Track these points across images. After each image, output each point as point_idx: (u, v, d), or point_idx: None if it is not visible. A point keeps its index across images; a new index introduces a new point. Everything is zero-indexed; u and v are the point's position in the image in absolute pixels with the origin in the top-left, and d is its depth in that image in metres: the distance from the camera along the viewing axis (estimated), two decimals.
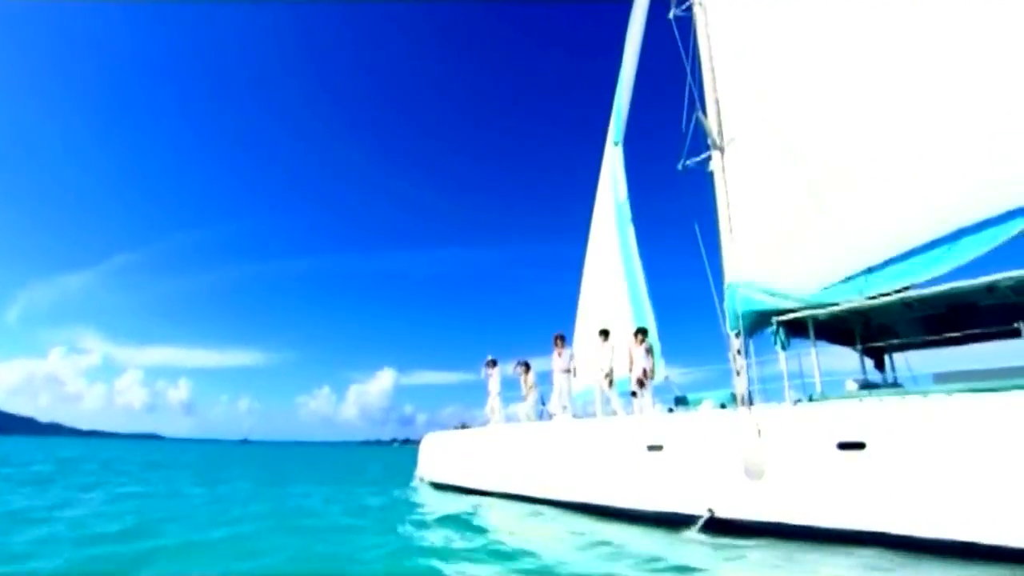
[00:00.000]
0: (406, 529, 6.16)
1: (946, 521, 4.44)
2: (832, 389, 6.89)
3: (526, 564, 4.49)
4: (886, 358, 9.35)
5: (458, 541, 5.46)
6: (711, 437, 5.93)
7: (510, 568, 4.35)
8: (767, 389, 7.91)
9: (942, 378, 5.93)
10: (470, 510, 7.50)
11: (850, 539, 4.85)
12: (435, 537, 5.67)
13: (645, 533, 5.71)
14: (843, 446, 5.04)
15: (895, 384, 8.30)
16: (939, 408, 4.72)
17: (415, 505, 8.60)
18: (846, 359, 9.27)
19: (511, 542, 5.36)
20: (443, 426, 12.54)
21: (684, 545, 5.25)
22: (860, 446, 4.95)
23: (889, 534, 4.67)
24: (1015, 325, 6.53)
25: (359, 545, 5.18)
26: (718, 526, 5.57)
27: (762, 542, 5.14)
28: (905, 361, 9.24)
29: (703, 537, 5.45)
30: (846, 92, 8.11)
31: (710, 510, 5.64)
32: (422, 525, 6.46)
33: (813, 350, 7.27)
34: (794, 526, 5.17)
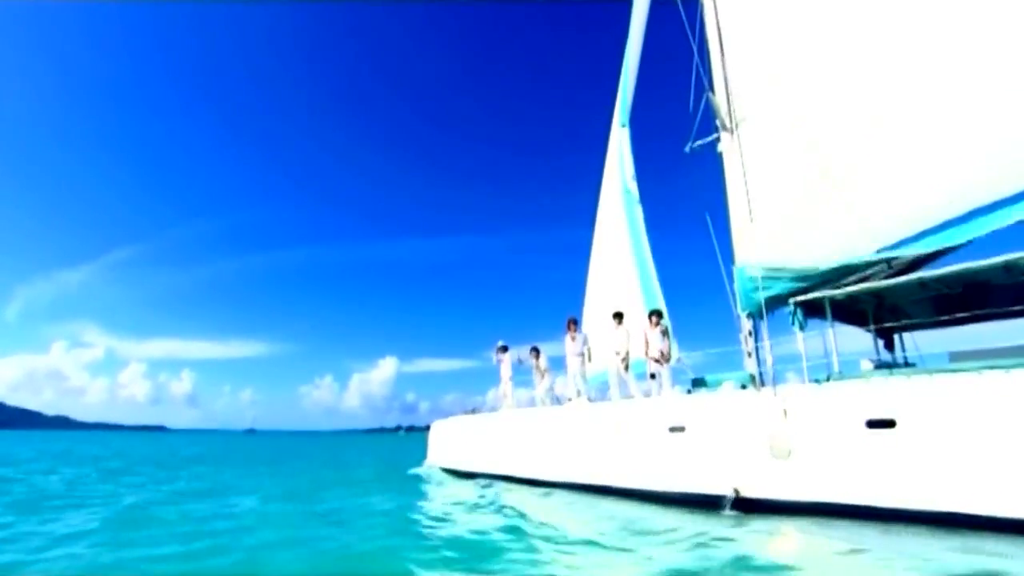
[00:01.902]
0: (437, 519, 6.05)
1: (981, 496, 4.36)
2: (845, 369, 6.79)
3: (569, 549, 4.37)
4: (895, 338, 9.24)
5: (495, 526, 5.32)
6: (735, 417, 5.80)
7: (554, 552, 4.24)
8: (777, 370, 7.82)
9: (958, 357, 5.84)
10: (492, 494, 7.38)
11: (880, 516, 4.76)
12: (473, 525, 5.52)
13: (677, 514, 5.58)
14: (872, 424, 4.93)
15: (907, 364, 8.17)
16: (970, 385, 4.62)
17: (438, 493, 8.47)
18: (852, 340, 9.13)
19: (542, 524, 5.26)
20: (446, 413, 12.48)
21: (722, 525, 5.13)
22: (890, 424, 4.84)
23: (922, 511, 4.58)
24: None
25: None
26: (744, 505, 5.47)
27: (796, 520, 5.05)
28: (912, 341, 9.15)
29: (734, 516, 5.37)
30: (860, 71, 7.89)
31: (736, 490, 5.54)
32: (455, 514, 6.35)
33: (831, 331, 7.13)
34: (822, 504, 5.08)
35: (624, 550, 4.27)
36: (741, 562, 3.79)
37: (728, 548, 4.13)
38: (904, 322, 8.40)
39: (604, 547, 4.39)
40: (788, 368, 7.53)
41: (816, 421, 5.26)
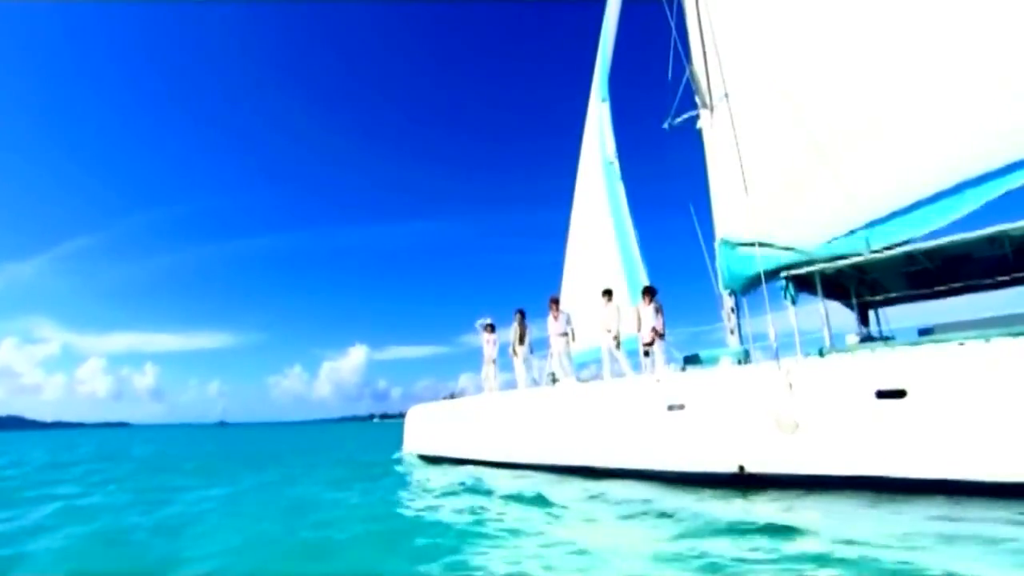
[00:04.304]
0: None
1: (995, 463, 4.18)
2: (827, 343, 6.56)
3: (577, 534, 3.91)
4: (870, 313, 9.17)
5: (496, 515, 4.78)
6: (738, 393, 5.45)
7: (562, 538, 3.77)
8: (760, 347, 7.57)
9: (942, 328, 5.70)
10: (483, 483, 6.79)
11: (893, 486, 4.54)
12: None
13: (683, 494, 5.21)
14: (882, 395, 4.65)
15: (886, 337, 8.06)
16: (979, 353, 4.42)
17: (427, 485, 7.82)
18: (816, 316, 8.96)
19: (543, 509, 4.80)
20: (419, 399, 11.89)
21: (731, 501, 4.79)
22: (901, 394, 4.57)
23: (936, 479, 4.37)
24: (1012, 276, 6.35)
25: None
26: (750, 481, 5.18)
27: (806, 494, 4.77)
28: (884, 316, 9.12)
29: (742, 492, 5.07)
30: (847, 42, 7.62)
31: (741, 466, 5.20)
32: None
33: (821, 305, 6.91)
34: (832, 477, 4.82)
35: (639, 531, 3.88)
36: (761, 536, 3.47)
37: (745, 524, 3.80)
38: (882, 296, 8.29)
39: (616, 530, 3.97)
40: (764, 344, 7.33)
41: (823, 394, 4.98)
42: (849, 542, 3.23)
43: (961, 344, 4.57)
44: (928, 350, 4.70)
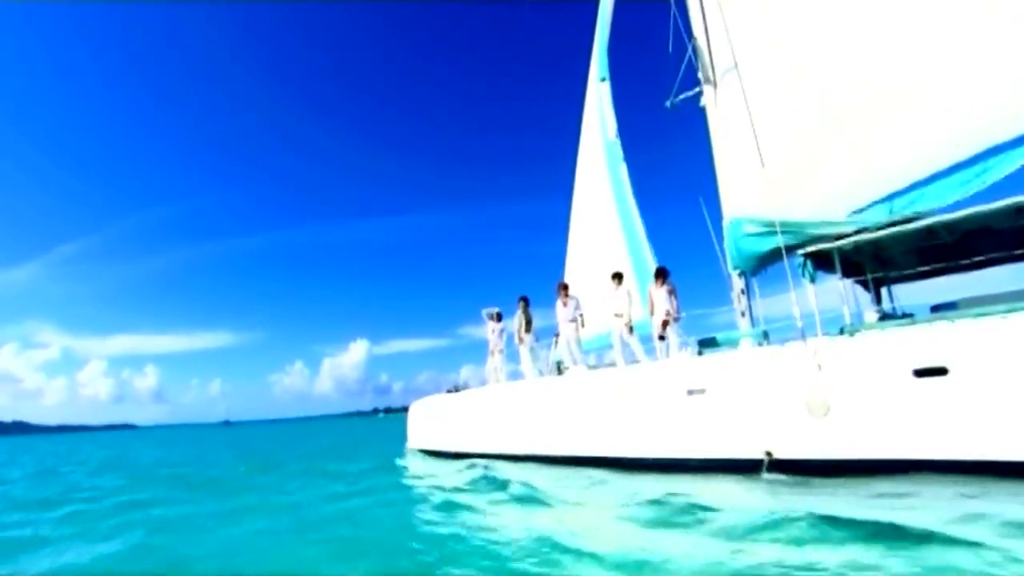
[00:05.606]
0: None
1: None
2: (837, 322, 6.26)
3: (610, 531, 3.61)
4: (882, 291, 8.84)
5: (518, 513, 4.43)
6: (763, 375, 5.13)
7: (593, 536, 3.43)
8: (772, 329, 7.25)
9: (967, 303, 5.39)
10: (497, 477, 6.42)
11: (933, 468, 4.24)
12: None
13: (710, 482, 4.89)
14: (921, 373, 4.32)
15: (907, 314, 7.74)
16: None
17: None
18: (827, 296, 8.61)
19: (567, 505, 4.50)
20: (421, 392, 11.36)
21: (768, 489, 4.48)
22: (942, 372, 4.25)
23: (984, 460, 4.07)
24: None
25: None
26: (778, 467, 4.87)
27: (846, 479, 4.46)
28: (893, 293, 8.81)
29: (773, 479, 4.76)
30: (860, 7, 7.21)
31: (768, 452, 4.89)
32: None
33: (840, 283, 6.59)
34: (868, 460, 4.52)
35: (675, 525, 3.56)
36: (798, 526, 3.15)
37: (779, 513, 3.46)
38: (896, 273, 7.97)
39: (650, 525, 3.63)
40: (775, 325, 7.01)
41: (856, 374, 4.66)
42: (894, 528, 2.94)
43: (1004, 317, 4.24)
44: (969, 324, 4.36)
